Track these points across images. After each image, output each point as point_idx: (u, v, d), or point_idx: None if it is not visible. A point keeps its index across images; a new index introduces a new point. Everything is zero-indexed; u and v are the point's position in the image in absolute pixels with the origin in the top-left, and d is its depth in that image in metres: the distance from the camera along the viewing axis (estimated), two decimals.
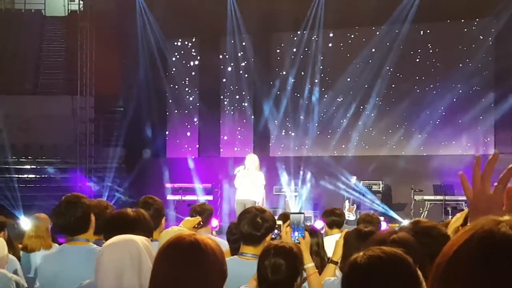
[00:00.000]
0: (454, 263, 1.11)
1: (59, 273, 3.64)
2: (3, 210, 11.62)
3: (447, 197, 13.26)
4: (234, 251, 4.36)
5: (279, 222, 4.18)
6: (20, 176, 15.94)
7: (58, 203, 3.88)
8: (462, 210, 12.33)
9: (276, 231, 4.09)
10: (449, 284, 1.10)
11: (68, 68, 17.48)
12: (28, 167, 16.55)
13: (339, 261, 3.89)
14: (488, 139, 14.77)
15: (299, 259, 3.26)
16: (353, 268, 1.83)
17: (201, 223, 4.07)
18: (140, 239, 2.52)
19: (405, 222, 11.88)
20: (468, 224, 3.91)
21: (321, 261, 4.58)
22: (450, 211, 12.98)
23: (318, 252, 4.77)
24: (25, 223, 7.30)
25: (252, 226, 3.79)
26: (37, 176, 16.27)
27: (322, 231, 6.13)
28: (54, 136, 16.39)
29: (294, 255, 3.23)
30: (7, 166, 15.76)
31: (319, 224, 6.37)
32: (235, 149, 16.23)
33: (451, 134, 14.86)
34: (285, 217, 4.34)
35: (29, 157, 16.71)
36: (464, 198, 12.98)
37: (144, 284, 2.35)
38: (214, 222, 8.13)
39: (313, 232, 4.92)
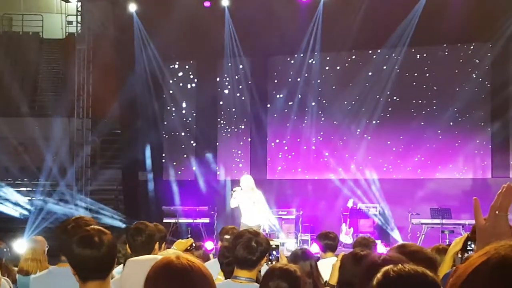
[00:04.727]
0: (469, 285, 1.16)
1: None
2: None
3: (444, 221, 13.23)
4: (228, 274, 4.35)
5: (276, 243, 4.21)
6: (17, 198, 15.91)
7: (63, 223, 3.84)
8: (460, 234, 12.33)
9: (274, 252, 4.11)
10: None
11: (66, 90, 17.51)
12: (24, 189, 16.50)
13: (335, 285, 3.87)
14: (485, 162, 14.77)
15: (302, 283, 3.28)
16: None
17: (193, 244, 4.06)
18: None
19: None
20: (470, 248, 3.90)
21: (314, 283, 4.60)
22: (447, 234, 12.95)
23: (311, 273, 4.79)
24: (20, 246, 7.24)
25: (247, 250, 3.79)
26: (34, 198, 16.20)
27: (318, 255, 6.13)
28: (50, 158, 16.36)
29: (297, 278, 3.25)
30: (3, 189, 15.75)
31: (315, 248, 6.35)
32: (233, 171, 16.21)
33: (448, 157, 14.88)
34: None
35: (25, 180, 16.66)
36: (461, 222, 13.03)
37: None
38: (210, 245, 8.09)
39: (306, 256, 4.97)
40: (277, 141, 16.19)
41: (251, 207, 10.73)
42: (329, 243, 6.34)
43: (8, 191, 15.93)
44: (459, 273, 1.20)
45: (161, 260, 2.20)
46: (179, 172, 16.58)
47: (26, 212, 15.30)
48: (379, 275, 1.82)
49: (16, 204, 15.64)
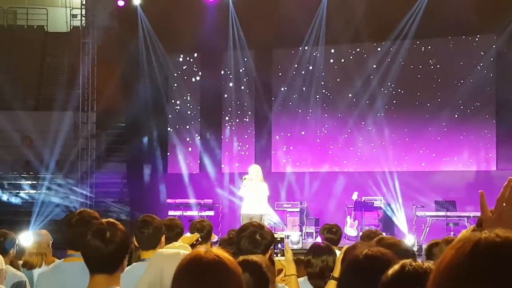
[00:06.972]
0: (449, 270, 1.19)
1: None
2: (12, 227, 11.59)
3: (448, 213, 13.22)
4: None
5: (281, 236, 4.18)
6: (22, 191, 15.98)
7: (68, 215, 3.85)
8: (464, 226, 12.30)
9: (279, 245, 4.07)
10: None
11: (70, 83, 17.52)
12: (29, 182, 16.55)
13: (339, 277, 3.87)
14: (490, 155, 14.74)
15: (266, 275, 3.20)
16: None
17: (199, 239, 4.05)
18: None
19: (408, 238, 11.85)
20: None
21: None
22: (452, 227, 12.95)
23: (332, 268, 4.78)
24: (25, 239, 7.26)
25: (252, 243, 3.76)
26: (38, 191, 16.25)
27: None
28: (55, 151, 16.39)
29: (259, 267, 3.17)
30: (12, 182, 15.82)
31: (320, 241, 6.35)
32: (236, 164, 16.21)
33: (453, 149, 14.86)
34: None
35: (30, 173, 16.71)
36: (466, 214, 13.03)
37: None
38: (213, 237, 8.09)
39: (329, 250, 4.93)
40: (282, 134, 16.17)
41: (255, 194, 10.75)
42: (331, 237, 6.35)
43: (14, 182, 16.01)
44: (439, 261, 1.23)
45: (189, 254, 2.21)
46: (184, 165, 16.59)
47: (31, 205, 15.35)
48: (396, 266, 1.82)
49: (21, 196, 15.71)
